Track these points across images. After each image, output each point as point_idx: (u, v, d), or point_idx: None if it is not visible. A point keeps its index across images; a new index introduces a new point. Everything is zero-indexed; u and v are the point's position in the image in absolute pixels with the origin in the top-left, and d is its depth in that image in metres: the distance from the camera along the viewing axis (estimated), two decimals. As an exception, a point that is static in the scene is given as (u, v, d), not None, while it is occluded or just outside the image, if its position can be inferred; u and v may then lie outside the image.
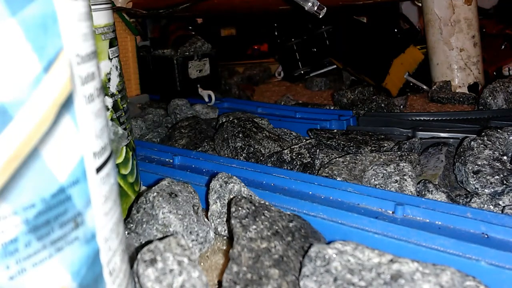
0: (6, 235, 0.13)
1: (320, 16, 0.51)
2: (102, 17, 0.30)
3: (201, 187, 0.34)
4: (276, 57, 1.01)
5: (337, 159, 0.38)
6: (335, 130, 0.48)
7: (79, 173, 0.15)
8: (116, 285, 0.18)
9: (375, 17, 0.91)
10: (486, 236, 0.26)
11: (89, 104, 0.16)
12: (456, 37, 0.69)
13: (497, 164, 0.35)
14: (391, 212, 0.29)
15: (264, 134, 0.44)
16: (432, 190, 0.33)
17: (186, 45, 0.70)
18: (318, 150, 0.42)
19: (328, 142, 0.45)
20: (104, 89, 0.31)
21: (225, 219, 0.30)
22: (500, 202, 0.32)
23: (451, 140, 0.45)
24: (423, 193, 0.33)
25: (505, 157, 0.36)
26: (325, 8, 0.51)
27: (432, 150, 0.41)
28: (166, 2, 0.68)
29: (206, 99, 0.68)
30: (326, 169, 0.37)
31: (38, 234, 0.14)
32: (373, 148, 0.43)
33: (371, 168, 0.35)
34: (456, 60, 0.69)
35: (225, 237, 0.30)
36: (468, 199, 0.32)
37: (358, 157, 0.38)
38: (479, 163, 0.35)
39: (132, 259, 0.22)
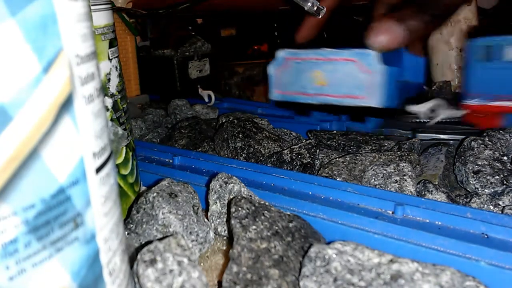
0: (6, 235, 0.13)
1: (320, 17, 0.51)
2: (102, 18, 0.30)
3: (201, 187, 0.34)
4: (276, 57, 1.00)
5: (337, 159, 0.38)
6: (335, 131, 0.48)
7: (78, 174, 0.15)
8: (116, 285, 0.18)
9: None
10: (486, 236, 0.26)
11: (88, 105, 0.16)
12: (456, 37, 0.69)
13: (498, 165, 0.35)
14: (391, 212, 0.29)
15: (264, 134, 0.44)
16: (432, 190, 0.33)
17: (186, 45, 0.70)
18: (318, 150, 0.42)
19: (328, 143, 0.45)
20: (104, 90, 0.31)
21: (225, 219, 0.30)
22: (500, 202, 0.32)
23: (451, 141, 0.45)
24: (423, 193, 0.33)
25: (505, 158, 0.36)
26: (325, 9, 0.51)
27: (432, 150, 0.41)
28: (166, 2, 0.68)
29: (206, 99, 0.68)
30: (326, 169, 0.37)
31: (38, 235, 0.14)
32: (373, 148, 0.43)
33: (371, 168, 0.35)
34: (456, 60, 0.69)
35: (225, 237, 0.30)
36: (468, 199, 0.32)
37: (358, 157, 0.38)
38: (480, 163, 0.35)
39: (132, 259, 0.22)
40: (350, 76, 0.46)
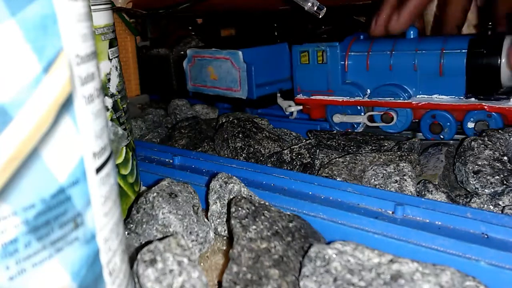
0: (6, 235, 0.13)
1: (320, 16, 0.51)
2: (102, 18, 0.30)
3: (201, 187, 0.34)
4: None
5: (337, 159, 0.38)
6: (335, 131, 0.48)
7: (79, 174, 0.15)
8: (116, 285, 0.18)
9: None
10: (486, 236, 0.26)
11: (89, 105, 0.16)
12: (456, 37, 0.69)
13: (498, 165, 0.35)
14: (391, 212, 0.29)
15: (264, 134, 0.44)
16: (432, 190, 0.33)
17: (181, 44, 0.70)
18: (318, 150, 0.42)
19: (328, 143, 0.45)
20: (104, 90, 0.31)
21: (225, 219, 0.30)
22: (500, 202, 0.32)
23: (451, 141, 0.45)
24: (423, 193, 0.33)
25: (505, 158, 0.36)
26: (325, 8, 0.51)
27: (432, 150, 0.41)
28: (166, 2, 0.68)
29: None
30: (326, 169, 0.37)
31: (38, 235, 0.14)
32: (373, 148, 0.43)
33: (371, 168, 0.35)
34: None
35: (225, 237, 0.30)
36: (468, 199, 0.32)
37: (358, 157, 0.38)
38: (480, 163, 0.35)
39: (132, 259, 0.22)
40: (229, 72, 0.57)
